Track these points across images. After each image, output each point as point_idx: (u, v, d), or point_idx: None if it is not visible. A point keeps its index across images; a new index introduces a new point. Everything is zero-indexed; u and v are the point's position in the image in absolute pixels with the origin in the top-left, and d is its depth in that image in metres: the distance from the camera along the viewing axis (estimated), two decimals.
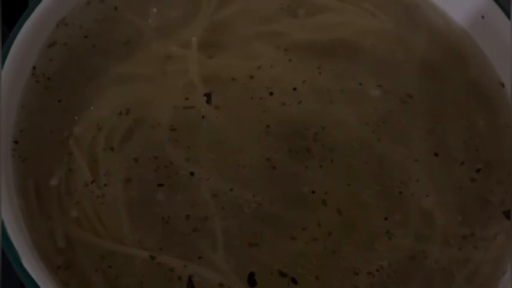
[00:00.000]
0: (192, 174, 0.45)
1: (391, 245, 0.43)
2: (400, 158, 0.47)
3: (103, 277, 0.41)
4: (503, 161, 0.48)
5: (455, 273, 0.43)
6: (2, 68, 0.45)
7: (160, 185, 0.45)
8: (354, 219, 0.44)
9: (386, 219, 0.44)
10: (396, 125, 0.49)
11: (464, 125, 0.49)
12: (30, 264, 0.38)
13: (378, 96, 0.50)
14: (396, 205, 0.45)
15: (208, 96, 0.48)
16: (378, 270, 0.43)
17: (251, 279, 0.42)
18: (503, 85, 0.51)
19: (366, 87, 0.50)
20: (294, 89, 0.49)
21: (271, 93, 0.49)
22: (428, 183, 0.46)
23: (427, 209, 0.45)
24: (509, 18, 0.50)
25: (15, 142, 0.45)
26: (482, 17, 0.52)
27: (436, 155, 0.47)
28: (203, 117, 0.48)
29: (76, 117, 0.47)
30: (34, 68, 0.48)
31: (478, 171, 0.47)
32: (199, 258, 0.42)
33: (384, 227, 0.44)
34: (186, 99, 0.48)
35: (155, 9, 0.53)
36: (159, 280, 0.41)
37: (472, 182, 0.47)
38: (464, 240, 0.44)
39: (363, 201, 0.45)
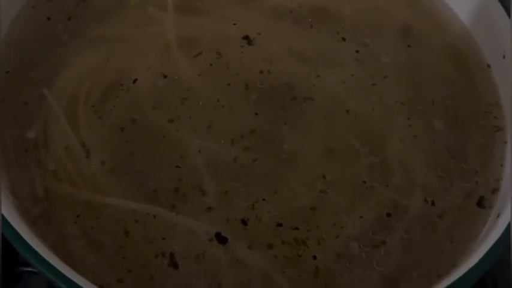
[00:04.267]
0: (174, 131, 0.45)
1: (371, 198, 0.44)
2: (379, 118, 0.47)
3: (81, 229, 0.41)
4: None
5: (436, 227, 0.43)
6: None
7: (140, 142, 0.45)
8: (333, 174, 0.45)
9: (365, 172, 0.45)
10: (375, 88, 0.49)
11: (444, 88, 0.50)
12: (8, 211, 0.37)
13: (358, 59, 0.50)
14: (376, 161, 0.45)
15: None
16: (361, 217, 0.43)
17: (219, 236, 0.41)
18: (489, 66, 0.51)
19: (346, 53, 0.51)
20: (274, 52, 0.50)
21: (250, 56, 0.49)
22: (408, 143, 0.46)
23: (408, 165, 0.45)
24: None
25: None
26: None
27: (415, 115, 0.48)
28: (182, 82, 0.48)
29: (55, 73, 0.47)
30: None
31: (453, 130, 0.48)
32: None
33: (364, 179, 0.44)
34: (165, 59, 0.49)
35: None
36: (140, 231, 0.41)
37: (451, 142, 0.47)
38: (444, 195, 0.44)
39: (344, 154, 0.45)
